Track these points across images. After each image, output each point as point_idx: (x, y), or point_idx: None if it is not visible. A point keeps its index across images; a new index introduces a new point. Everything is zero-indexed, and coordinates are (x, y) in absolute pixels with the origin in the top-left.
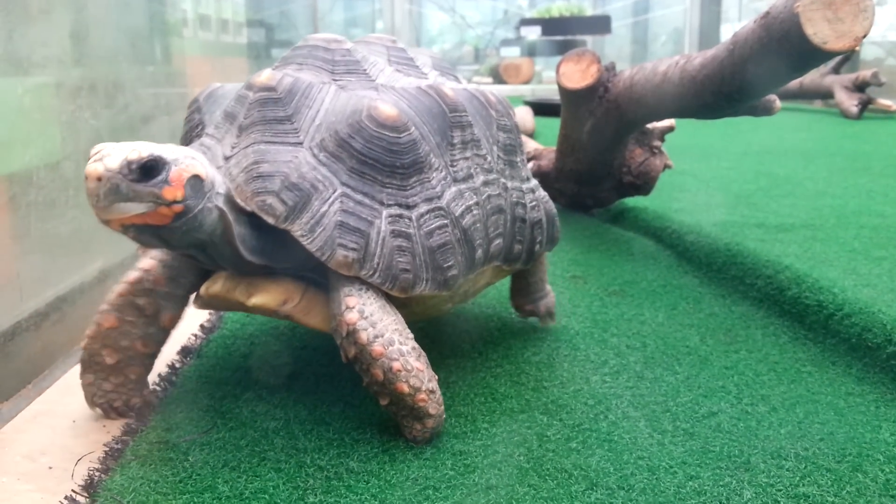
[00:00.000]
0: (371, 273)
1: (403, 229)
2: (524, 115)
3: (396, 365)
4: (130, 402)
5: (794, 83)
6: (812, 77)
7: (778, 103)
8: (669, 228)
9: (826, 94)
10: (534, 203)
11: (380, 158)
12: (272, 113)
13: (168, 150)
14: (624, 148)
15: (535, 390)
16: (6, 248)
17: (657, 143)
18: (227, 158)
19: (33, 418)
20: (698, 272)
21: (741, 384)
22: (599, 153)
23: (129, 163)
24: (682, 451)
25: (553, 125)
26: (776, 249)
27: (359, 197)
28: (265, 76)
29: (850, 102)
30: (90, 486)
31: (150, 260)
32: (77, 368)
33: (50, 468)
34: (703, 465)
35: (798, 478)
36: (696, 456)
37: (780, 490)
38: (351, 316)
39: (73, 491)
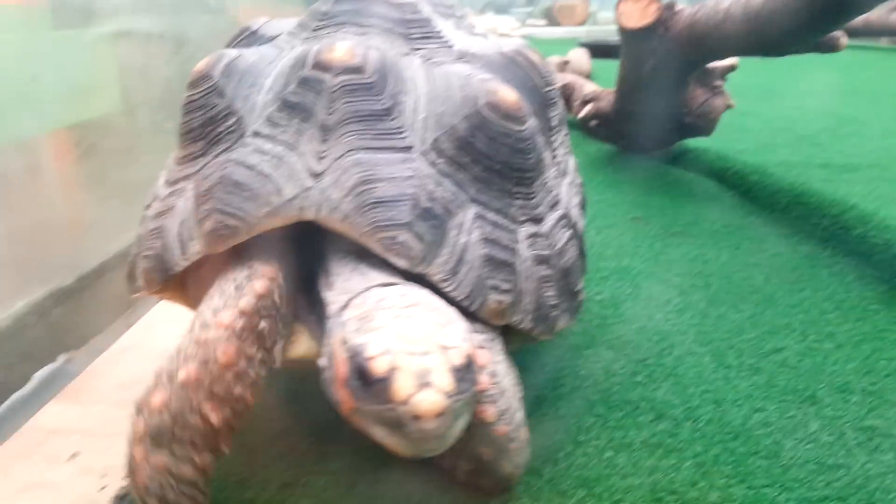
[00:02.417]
0: (522, 318)
1: (543, 253)
2: (580, 57)
3: (513, 446)
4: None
5: (859, 20)
6: (879, 13)
7: (844, 39)
8: (732, 169)
9: (893, 31)
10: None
11: (507, 161)
12: (366, 105)
13: (454, 322)
14: (685, 88)
15: (600, 327)
16: (87, 194)
17: (718, 82)
18: (316, 175)
19: (123, 351)
20: (762, 213)
21: (807, 322)
22: (660, 94)
23: (457, 371)
24: (748, 386)
25: (609, 67)
26: (842, 189)
27: (493, 216)
28: (344, 51)
29: None
30: None
31: (266, 266)
32: (161, 306)
33: None
34: (768, 398)
35: (865, 411)
36: (761, 390)
37: (847, 423)
38: (481, 380)
39: None
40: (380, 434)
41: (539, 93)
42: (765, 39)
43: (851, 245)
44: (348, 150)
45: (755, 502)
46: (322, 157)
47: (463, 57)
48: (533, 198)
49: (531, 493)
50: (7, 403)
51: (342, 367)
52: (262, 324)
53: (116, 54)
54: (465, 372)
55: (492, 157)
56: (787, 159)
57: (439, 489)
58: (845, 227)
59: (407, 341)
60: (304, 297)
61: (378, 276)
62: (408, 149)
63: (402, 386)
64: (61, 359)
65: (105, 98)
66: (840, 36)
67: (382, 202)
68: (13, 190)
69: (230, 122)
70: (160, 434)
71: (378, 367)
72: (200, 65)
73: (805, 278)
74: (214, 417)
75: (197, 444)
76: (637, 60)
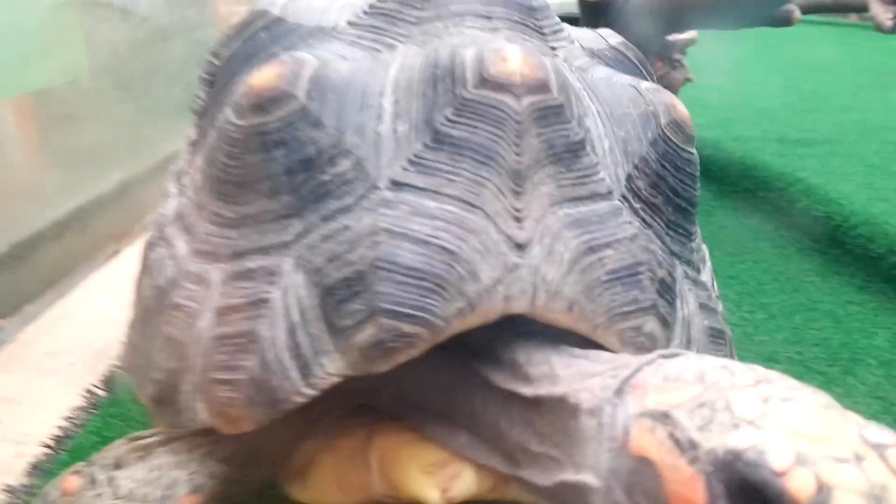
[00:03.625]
0: None
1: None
2: None
3: None
4: None
5: None
6: None
7: (797, 13)
8: None
9: (861, 8)
10: None
11: (690, 196)
12: (561, 138)
13: (836, 406)
14: (651, 72)
15: None
16: (31, 161)
17: (678, 56)
18: (520, 247)
19: (56, 320)
20: (711, 186)
21: (742, 293)
22: None
23: None
24: None
25: None
26: (794, 164)
27: (691, 272)
28: (520, 61)
29: (885, 16)
30: (109, 381)
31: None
32: (99, 275)
33: (72, 364)
34: None
35: None
36: None
37: None
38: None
39: (93, 385)
40: None
41: None
42: (722, 11)
43: (795, 218)
44: (552, 205)
45: None
46: (521, 219)
47: (594, 56)
48: (696, 237)
49: None
50: None
51: (695, 490)
52: None
53: (64, 22)
54: None
55: (679, 194)
56: (743, 134)
57: None
58: (790, 201)
59: (818, 441)
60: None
61: (605, 355)
62: (609, 194)
63: None
64: None
65: (52, 66)
66: (793, 9)
67: (618, 278)
68: None
69: (342, 166)
70: None
71: (801, 484)
72: (266, 78)
73: (747, 250)
74: None
75: None
76: None
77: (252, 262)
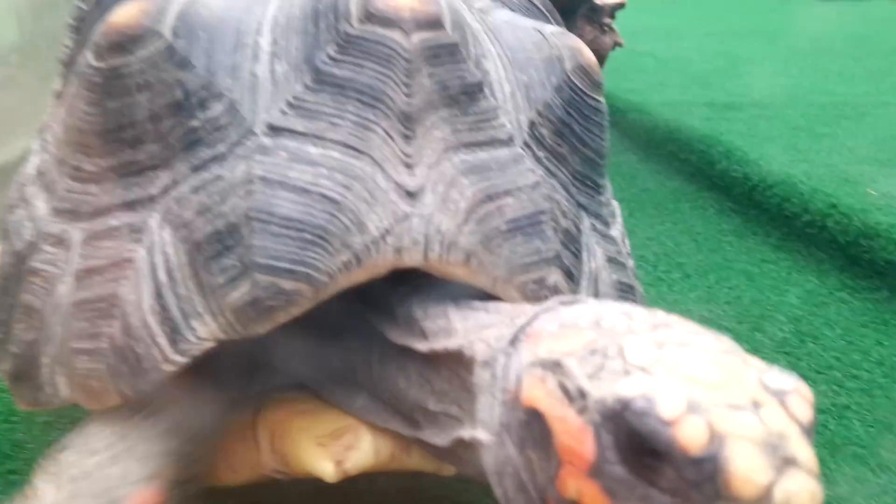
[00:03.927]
0: None
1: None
2: None
3: None
4: None
5: None
6: None
7: None
8: (614, 107)
9: None
10: None
11: (597, 146)
12: (456, 79)
13: (739, 350)
14: (573, 26)
15: None
16: None
17: (607, 20)
18: (411, 195)
19: None
20: (637, 150)
21: (660, 254)
22: None
23: (810, 433)
24: None
25: None
26: (720, 127)
27: (599, 225)
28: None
29: None
30: None
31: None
32: None
33: None
34: None
35: None
36: None
37: None
38: None
39: None
40: None
41: None
42: None
43: (715, 179)
44: (445, 149)
45: None
46: (411, 165)
47: (509, 5)
48: (605, 191)
49: None
50: None
51: (583, 441)
52: None
53: None
54: (812, 431)
55: (586, 143)
56: (673, 98)
57: None
58: (711, 163)
59: (713, 387)
60: (327, 378)
61: (505, 306)
62: (510, 141)
63: (750, 468)
64: None
65: None
66: None
67: (519, 227)
68: None
69: (214, 110)
70: None
71: (691, 433)
72: (128, 15)
73: (667, 212)
74: None
75: None
76: None
77: (115, 220)
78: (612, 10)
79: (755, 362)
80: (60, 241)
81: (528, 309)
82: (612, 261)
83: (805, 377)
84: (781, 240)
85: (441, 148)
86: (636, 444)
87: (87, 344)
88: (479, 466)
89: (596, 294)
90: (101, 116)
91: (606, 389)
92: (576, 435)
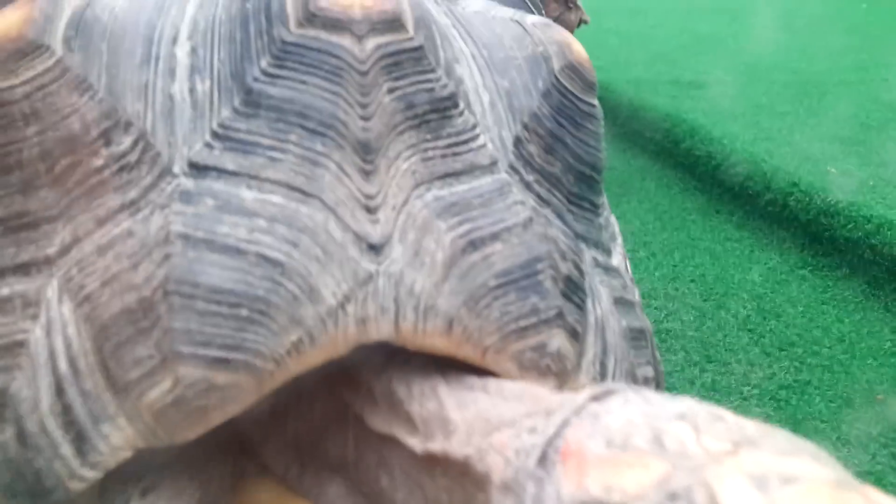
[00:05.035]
0: None
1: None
2: None
3: None
4: None
5: None
6: None
7: None
8: None
9: None
10: None
11: (593, 160)
12: (423, 93)
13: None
14: (538, 2)
15: None
16: None
17: None
18: (375, 248)
19: None
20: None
21: (626, 232)
22: (512, 6)
23: None
24: None
25: None
26: (684, 105)
27: (602, 258)
28: None
29: None
30: None
31: None
32: None
33: None
34: None
35: (664, 315)
36: None
37: None
38: None
39: None
40: None
41: None
42: None
43: (679, 157)
44: (415, 185)
45: None
46: (373, 208)
47: None
48: (603, 209)
49: None
50: None
51: None
52: None
53: None
54: None
55: (580, 158)
56: (638, 76)
57: None
58: (675, 141)
59: None
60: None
61: (509, 386)
62: (493, 166)
63: None
64: None
65: None
66: None
67: (511, 282)
68: None
69: (120, 144)
70: None
71: None
72: (8, 24)
73: (633, 190)
74: None
75: None
76: None
77: (6, 287)
78: None
79: (872, 493)
80: None
81: (546, 398)
82: (619, 301)
83: (767, 354)
84: (744, 218)
85: (409, 184)
86: None
87: None
88: None
89: (604, 348)
90: None
91: None
92: None
